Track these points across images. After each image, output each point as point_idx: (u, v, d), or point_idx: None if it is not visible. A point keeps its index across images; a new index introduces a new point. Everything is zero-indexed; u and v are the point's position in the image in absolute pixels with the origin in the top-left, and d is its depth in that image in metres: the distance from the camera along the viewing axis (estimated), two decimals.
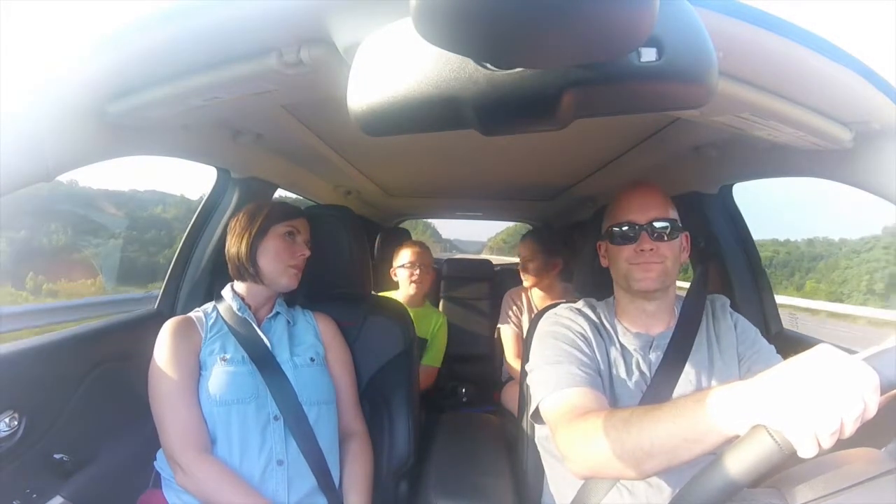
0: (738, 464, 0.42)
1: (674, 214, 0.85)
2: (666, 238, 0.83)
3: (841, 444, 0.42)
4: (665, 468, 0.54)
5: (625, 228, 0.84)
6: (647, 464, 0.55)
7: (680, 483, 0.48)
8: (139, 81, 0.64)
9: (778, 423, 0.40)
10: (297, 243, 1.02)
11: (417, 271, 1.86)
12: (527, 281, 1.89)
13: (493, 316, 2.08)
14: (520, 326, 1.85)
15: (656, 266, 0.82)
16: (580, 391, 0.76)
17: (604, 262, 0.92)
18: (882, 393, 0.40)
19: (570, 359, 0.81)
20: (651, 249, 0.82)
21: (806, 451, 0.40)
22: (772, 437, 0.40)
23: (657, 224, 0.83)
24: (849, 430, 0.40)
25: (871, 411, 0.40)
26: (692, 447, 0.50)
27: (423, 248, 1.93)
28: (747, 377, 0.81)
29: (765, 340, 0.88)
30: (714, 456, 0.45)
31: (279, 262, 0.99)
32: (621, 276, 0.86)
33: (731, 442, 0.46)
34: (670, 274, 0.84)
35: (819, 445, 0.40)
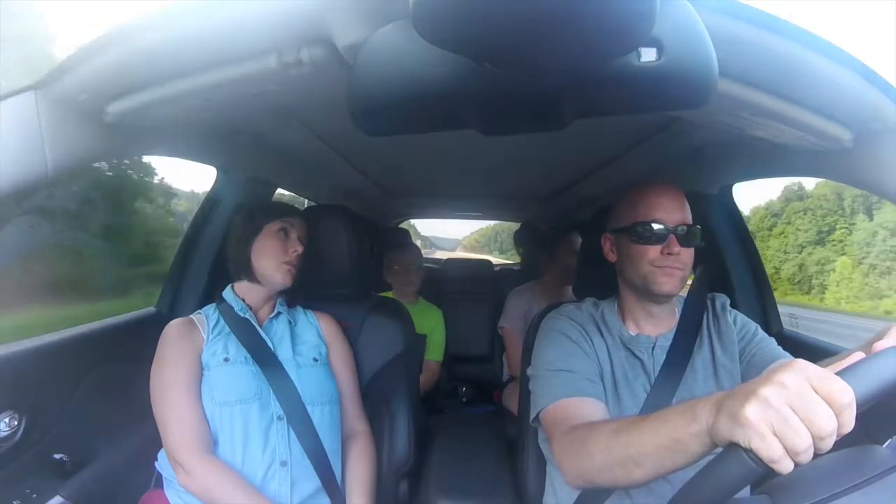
0: (718, 481, 0.41)
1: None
2: (690, 244, 0.81)
3: (841, 443, 0.41)
4: (654, 477, 0.54)
5: (656, 227, 0.81)
6: (635, 473, 0.55)
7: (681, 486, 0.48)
8: (139, 81, 0.64)
9: (749, 443, 0.40)
10: (290, 240, 1.02)
11: (410, 275, 1.96)
12: (563, 277, 1.80)
13: (493, 316, 2.08)
14: (525, 326, 1.83)
15: (679, 272, 0.81)
16: (578, 401, 0.76)
17: (610, 258, 0.90)
18: (858, 408, 0.39)
19: (571, 365, 0.81)
20: (678, 254, 0.80)
21: (781, 468, 0.39)
22: (746, 455, 0.40)
23: (687, 228, 0.81)
24: (825, 447, 0.39)
25: (847, 427, 0.39)
26: (676, 457, 0.50)
27: (414, 254, 2.02)
28: (748, 371, 0.82)
29: (765, 333, 0.87)
30: (711, 458, 0.45)
31: (272, 258, 0.99)
32: (640, 276, 0.83)
33: (714, 451, 0.46)
34: (686, 280, 0.83)
35: (795, 462, 0.39)
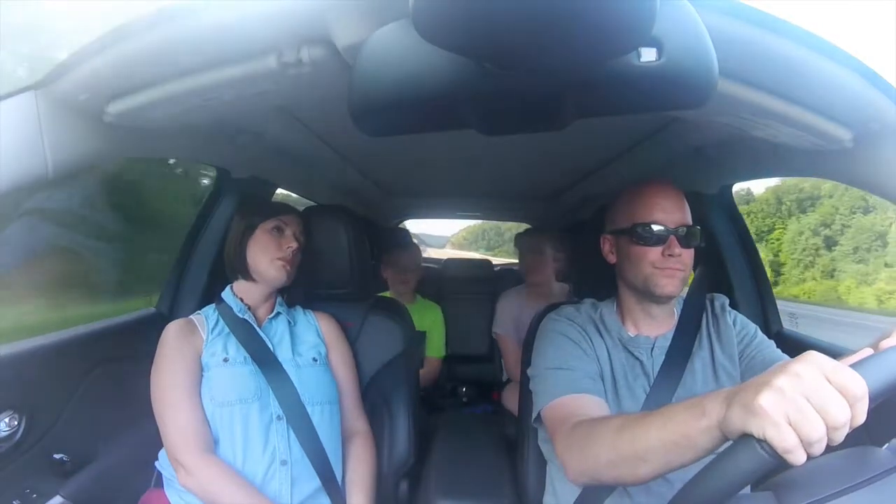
0: (728, 473, 0.41)
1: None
2: (690, 245, 0.81)
3: (841, 444, 0.41)
4: (660, 473, 0.54)
5: (656, 229, 0.80)
6: (641, 470, 0.55)
7: (680, 485, 0.48)
8: (139, 81, 0.64)
9: (763, 432, 0.40)
10: (284, 237, 1.02)
11: (407, 274, 1.99)
12: (534, 276, 1.82)
13: (493, 316, 2.08)
14: (517, 330, 1.83)
15: (680, 273, 0.80)
16: (580, 398, 0.76)
17: (610, 259, 0.89)
18: (871, 401, 0.39)
19: (571, 364, 0.81)
20: (678, 255, 0.79)
21: (794, 459, 0.39)
22: (759, 446, 0.40)
23: (687, 229, 0.81)
24: (838, 437, 0.39)
25: (859, 419, 0.39)
26: (683, 453, 0.50)
27: (413, 253, 2.06)
28: (747, 373, 0.82)
29: (764, 335, 0.87)
30: (713, 458, 0.45)
31: (266, 255, 0.99)
32: (640, 278, 0.82)
33: (722, 447, 0.45)
34: (686, 280, 0.83)
35: (807, 454, 0.39)
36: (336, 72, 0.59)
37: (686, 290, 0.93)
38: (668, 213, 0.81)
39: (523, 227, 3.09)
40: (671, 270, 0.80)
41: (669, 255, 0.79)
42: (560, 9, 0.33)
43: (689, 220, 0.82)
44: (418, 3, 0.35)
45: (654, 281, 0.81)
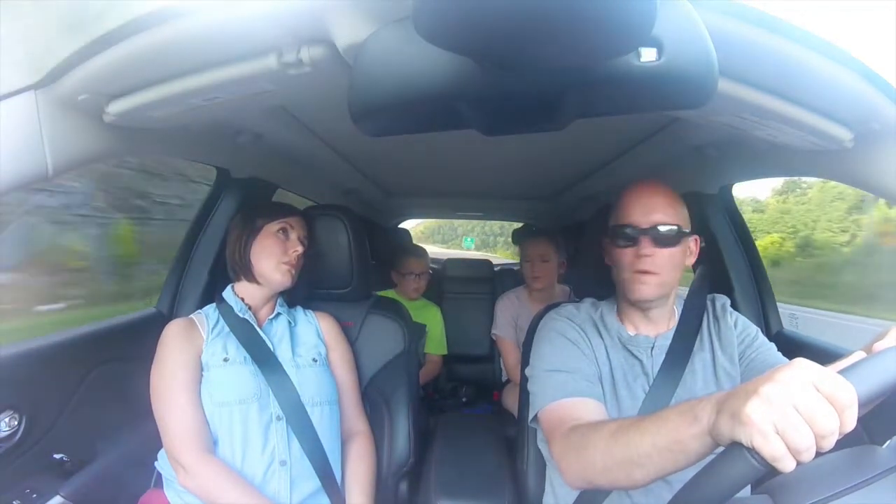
0: (720, 479, 0.41)
1: (680, 217, 0.81)
2: (665, 245, 0.79)
3: (841, 444, 0.41)
4: (655, 478, 0.54)
5: (626, 230, 0.80)
6: (636, 474, 0.55)
7: (679, 486, 0.48)
8: (139, 81, 0.64)
9: (751, 441, 0.40)
10: (290, 240, 1.02)
11: (421, 281, 2.05)
12: (537, 283, 1.81)
13: (493, 316, 2.08)
14: (517, 332, 1.83)
15: (653, 277, 0.79)
16: (577, 401, 0.76)
17: (608, 260, 0.89)
18: (860, 407, 0.39)
19: (569, 366, 0.80)
20: (650, 255, 0.78)
21: (783, 467, 0.39)
22: (748, 454, 0.40)
23: (661, 229, 0.78)
24: (827, 445, 0.39)
25: (848, 426, 0.39)
26: (676, 458, 0.50)
27: (425, 259, 2.11)
28: (747, 374, 0.82)
29: (765, 338, 0.87)
30: (712, 458, 0.45)
31: (272, 258, 0.99)
32: (621, 281, 0.83)
33: (714, 452, 0.45)
34: (667, 284, 0.81)
35: (797, 461, 0.39)
36: (336, 72, 0.59)
37: (687, 289, 0.93)
38: (644, 213, 0.79)
39: (474, 225, 3.08)
40: (643, 275, 0.79)
41: (643, 256, 0.78)
42: (560, 9, 0.33)
43: (670, 220, 0.79)
44: (418, 3, 0.35)
45: (628, 286, 0.81)
